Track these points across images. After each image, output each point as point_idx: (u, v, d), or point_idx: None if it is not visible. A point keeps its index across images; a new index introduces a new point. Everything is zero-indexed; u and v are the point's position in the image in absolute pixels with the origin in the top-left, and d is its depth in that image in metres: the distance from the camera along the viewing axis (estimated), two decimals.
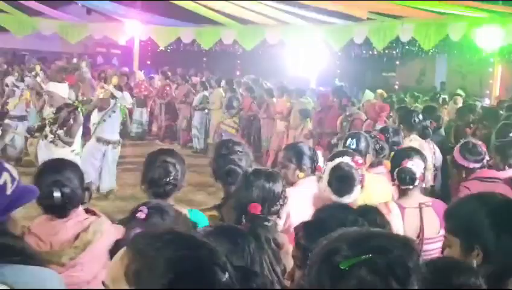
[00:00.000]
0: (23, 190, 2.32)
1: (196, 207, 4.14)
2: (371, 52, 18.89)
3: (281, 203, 3.42)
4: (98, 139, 9.82)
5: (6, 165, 2.31)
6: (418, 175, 4.16)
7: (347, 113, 10.99)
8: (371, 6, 13.13)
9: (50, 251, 3.07)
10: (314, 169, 4.58)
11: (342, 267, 1.43)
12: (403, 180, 4.16)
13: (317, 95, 13.66)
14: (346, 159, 4.07)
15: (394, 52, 21.21)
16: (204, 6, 16.46)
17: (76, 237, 3.17)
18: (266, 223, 3.21)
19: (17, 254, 2.10)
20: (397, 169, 4.20)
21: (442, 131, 9.00)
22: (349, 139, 5.29)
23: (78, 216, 3.27)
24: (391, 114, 9.73)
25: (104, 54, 29.66)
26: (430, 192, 5.60)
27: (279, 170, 4.50)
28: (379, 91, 14.62)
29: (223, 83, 16.77)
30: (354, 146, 5.14)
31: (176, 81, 18.33)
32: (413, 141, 7.05)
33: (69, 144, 8.07)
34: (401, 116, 7.92)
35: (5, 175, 2.20)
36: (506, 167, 5.26)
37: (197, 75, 20.43)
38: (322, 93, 13.55)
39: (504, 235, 2.21)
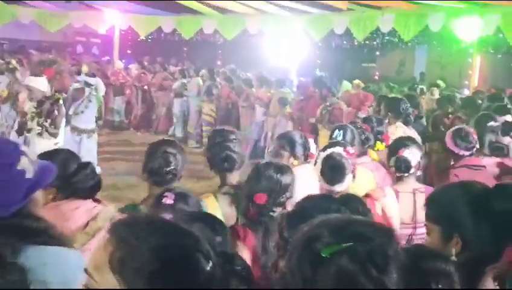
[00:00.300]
0: (42, 171, 2.33)
1: None
2: (351, 42, 18.98)
3: (288, 195, 3.43)
4: (73, 129, 9.83)
5: (23, 148, 2.34)
6: (413, 164, 4.35)
7: (327, 103, 11.02)
8: None
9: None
10: (306, 156, 4.77)
11: (323, 255, 1.44)
12: (399, 168, 4.38)
13: (298, 85, 13.72)
14: (337, 150, 4.15)
15: (374, 42, 21.37)
16: None
17: (86, 225, 3.18)
18: (271, 213, 3.28)
19: (40, 235, 2.14)
20: (394, 157, 4.41)
21: (424, 120, 9.07)
22: (336, 131, 5.42)
23: (87, 204, 3.29)
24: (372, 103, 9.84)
25: (84, 43, 29.42)
26: None
27: (273, 158, 4.69)
28: (356, 81, 15.07)
29: (202, 72, 17.06)
30: (340, 138, 5.23)
31: (153, 70, 18.89)
32: (398, 127, 7.32)
33: (55, 135, 8.13)
34: (389, 104, 8.02)
35: (24, 159, 2.22)
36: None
37: (178, 64, 20.46)
38: (302, 83, 13.65)
39: (482, 224, 2.24)
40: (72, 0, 20.79)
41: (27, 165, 2.24)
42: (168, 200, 3.00)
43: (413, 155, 4.41)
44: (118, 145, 14.92)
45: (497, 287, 2.27)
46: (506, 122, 6.79)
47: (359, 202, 2.93)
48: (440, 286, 1.88)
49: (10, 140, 2.55)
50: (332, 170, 4.03)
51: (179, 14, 18.54)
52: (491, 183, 4.74)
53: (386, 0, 12.42)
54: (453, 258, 2.24)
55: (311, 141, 5.05)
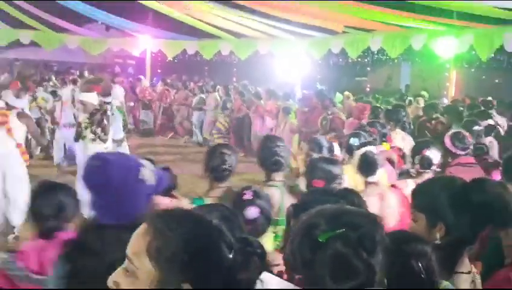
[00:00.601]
0: (159, 178, 2.38)
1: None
2: (346, 60, 18.92)
3: (338, 182, 3.69)
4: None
5: (142, 161, 2.38)
6: (435, 162, 4.61)
7: (328, 112, 10.87)
8: (346, 21, 13.15)
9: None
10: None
11: (320, 240, 1.47)
12: (422, 165, 4.59)
13: (301, 97, 13.72)
14: (371, 148, 4.46)
15: (366, 60, 21.36)
16: (206, 22, 16.47)
17: None
18: None
19: None
20: (418, 156, 4.63)
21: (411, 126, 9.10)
22: (352, 139, 5.55)
23: (166, 200, 3.30)
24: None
25: (121, 64, 29.67)
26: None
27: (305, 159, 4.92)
28: (346, 93, 14.96)
29: (218, 88, 17.21)
30: (357, 144, 5.34)
31: (176, 86, 19.34)
32: (398, 133, 7.52)
33: (105, 141, 8.15)
34: (390, 114, 8.20)
35: (143, 170, 2.26)
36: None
37: (200, 81, 20.58)
38: (305, 95, 13.57)
39: (462, 213, 2.23)
40: (111, 29, 21.03)
41: (147, 175, 2.29)
42: (248, 196, 3.22)
43: (434, 155, 4.62)
44: (145, 148, 15.09)
45: (471, 267, 2.33)
46: (489, 125, 7.16)
47: (355, 195, 2.90)
48: (420, 264, 1.90)
49: (130, 156, 2.69)
50: (368, 165, 4.30)
51: (201, 38, 18.66)
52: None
53: (376, 22, 12.37)
54: (438, 241, 2.23)
55: (335, 144, 5.30)
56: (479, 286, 2.31)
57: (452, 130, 5.91)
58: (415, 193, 2.52)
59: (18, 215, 6.69)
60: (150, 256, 1.35)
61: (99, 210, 2.27)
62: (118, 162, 2.29)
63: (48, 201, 3.07)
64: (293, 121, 12.50)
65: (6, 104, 7.31)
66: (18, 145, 7.19)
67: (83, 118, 8.37)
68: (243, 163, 11.56)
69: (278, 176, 4.16)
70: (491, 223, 2.35)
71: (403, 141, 7.32)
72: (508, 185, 2.72)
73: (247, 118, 14.79)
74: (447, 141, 5.43)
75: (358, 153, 4.45)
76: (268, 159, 4.16)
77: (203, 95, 17.02)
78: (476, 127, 6.64)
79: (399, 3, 10.73)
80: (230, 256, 1.42)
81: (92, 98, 8.42)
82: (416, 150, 4.79)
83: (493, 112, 9.77)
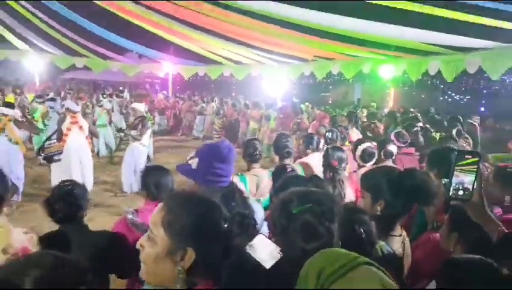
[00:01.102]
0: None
1: None
2: (314, 80, 18.97)
3: (345, 163, 3.83)
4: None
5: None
6: (394, 153, 4.88)
7: (298, 118, 11.42)
8: (314, 52, 13.09)
9: None
10: (317, 148, 5.01)
11: (294, 212, 1.50)
12: (386, 156, 4.73)
13: (280, 107, 13.79)
14: (368, 144, 4.57)
15: (328, 80, 21.40)
16: (213, 53, 16.38)
17: None
18: (340, 172, 3.69)
19: None
20: (383, 150, 4.73)
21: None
22: (327, 133, 5.86)
23: None
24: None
25: (150, 83, 29.63)
26: None
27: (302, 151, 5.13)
28: (306, 104, 15.72)
29: (215, 99, 18.69)
30: (330, 136, 5.70)
31: (183, 98, 19.87)
32: (354, 131, 8.04)
33: (139, 140, 8.00)
34: (350, 115, 9.03)
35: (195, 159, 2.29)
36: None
37: (207, 95, 20.51)
38: (283, 106, 13.80)
39: (396, 193, 2.25)
40: (143, 56, 20.92)
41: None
42: (289, 168, 3.63)
43: (394, 149, 4.84)
44: (164, 141, 15.40)
45: (402, 232, 2.29)
46: (421, 127, 7.49)
47: (318, 179, 2.91)
48: (362, 229, 1.91)
49: (225, 142, 2.59)
50: (369, 155, 4.47)
51: (208, 64, 18.61)
52: (415, 163, 5.24)
53: (335, 53, 12.38)
54: (378, 213, 2.25)
55: (321, 140, 5.30)
56: (408, 245, 2.33)
57: (396, 130, 6.05)
58: (363, 176, 2.54)
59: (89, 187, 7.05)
60: (164, 227, 1.31)
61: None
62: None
63: (155, 177, 3.28)
64: (273, 125, 12.78)
65: (67, 109, 7.40)
66: (86, 138, 7.57)
67: (131, 120, 8.52)
68: None
69: (288, 161, 4.25)
70: (418, 201, 2.37)
71: (357, 136, 7.59)
72: (430, 173, 2.70)
73: (237, 122, 15.52)
74: (393, 136, 5.54)
75: (361, 147, 4.54)
76: (282, 149, 4.26)
77: (203, 104, 17.66)
78: (416, 128, 6.96)
79: (352, 39, 10.74)
80: (226, 226, 1.37)
81: (141, 107, 8.43)
82: (381, 145, 4.82)
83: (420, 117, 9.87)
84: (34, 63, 18.38)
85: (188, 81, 24.23)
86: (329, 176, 3.70)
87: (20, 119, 7.46)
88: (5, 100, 12.24)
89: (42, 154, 7.10)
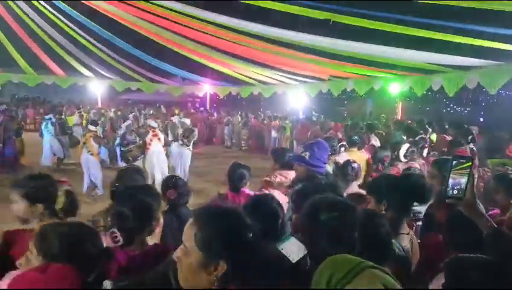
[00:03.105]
0: None
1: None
2: (331, 96, 18.76)
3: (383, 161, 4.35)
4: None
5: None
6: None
7: (314, 128, 11.90)
8: (330, 72, 13.03)
9: None
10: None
11: (322, 219, 1.47)
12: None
13: (297, 119, 14.51)
14: (408, 145, 4.80)
15: (343, 96, 21.16)
16: (244, 75, 16.51)
17: None
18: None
19: None
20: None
21: None
22: (354, 137, 5.95)
23: None
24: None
25: (191, 101, 29.97)
26: None
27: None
28: (321, 116, 16.32)
29: (241, 113, 18.86)
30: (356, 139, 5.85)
31: (212, 113, 20.50)
32: (372, 137, 7.96)
33: (188, 146, 9.12)
34: (369, 126, 9.00)
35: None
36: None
37: (240, 112, 20.47)
38: (301, 118, 14.63)
39: (398, 195, 2.23)
40: (186, 79, 21.29)
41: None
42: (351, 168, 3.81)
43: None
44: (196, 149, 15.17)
45: (409, 230, 2.25)
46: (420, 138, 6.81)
47: (336, 187, 2.81)
48: (382, 231, 1.83)
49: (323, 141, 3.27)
50: (411, 152, 4.71)
51: (240, 85, 18.73)
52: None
53: (349, 73, 12.29)
54: (383, 212, 2.22)
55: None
56: (416, 242, 2.28)
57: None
58: (370, 183, 2.52)
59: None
60: (195, 242, 1.24)
61: None
62: None
63: (236, 173, 3.54)
64: (287, 133, 13.65)
65: (149, 126, 8.84)
66: (163, 146, 8.80)
67: (180, 131, 9.37)
68: (257, 158, 12.50)
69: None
70: (415, 200, 2.34)
71: (375, 141, 7.79)
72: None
73: (261, 132, 16.02)
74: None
75: (404, 147, 4.71)
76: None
77: (229, 117, 18.00)
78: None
79: (363, 61, 10.66)
80: (250, 235, 1.27)
81: (188, 121, 9.76)
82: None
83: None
84: (96, 86, 19.03)
85: (223, 100, 24.42)
86: (381, 168, 4.28)
87: (100, 135, 8.59)
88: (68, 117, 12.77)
89: (127, 158, 8.33)
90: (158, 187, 3.03)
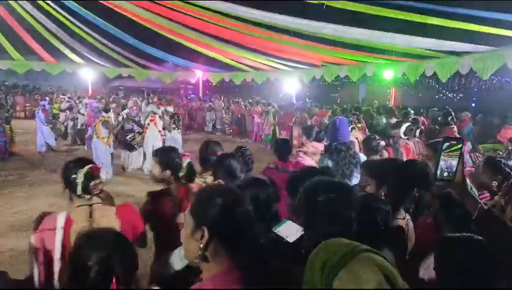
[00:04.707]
0: None
1: None
2: (324, 82, 18.72)
3: (381, 147, 4.12)
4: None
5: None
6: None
7: (297, 115, 11.56)
8: (324, 58, 13.00)
9: None
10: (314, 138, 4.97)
11: (319, 200, 1.47)
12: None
13: (280, 106, 14.33)
14: (408, 124, 5.09)
15: (337, 82, 21.07)
16: (236, 61, 16.39)
17: None
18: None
19: None
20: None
21: None
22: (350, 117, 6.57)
23: None
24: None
25: (183, 88, 29.72)
26: None
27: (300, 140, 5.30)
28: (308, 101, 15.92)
29: (223, 98, 18.90)
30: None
31: (193, 99, 19.91)
32: (362, 121, 8.06)
33: (179, 130, 9.68)
34: (357, 109, 9.39)
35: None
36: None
37: (231, 98, 20.29)
38: (283, 105, 14.34)
39: (396, 182, 2.23)
40: (177, 66, 21.09)
41: None
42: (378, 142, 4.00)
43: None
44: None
45: (405, 215, 2.24)
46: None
47: (331, 173, 2.80)
48: (379, 218, 1.85)
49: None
50: (409, 130, 4.99)
51: (233, 71, 18.57)
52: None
53: (343, 59, 12.27)
54: (382, 197, 2.21)
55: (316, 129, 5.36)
56: (411, 226, 2.29)
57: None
58: (368, 166, 2.50)
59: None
60: (191, 213, 1.29)
61: None
62: None
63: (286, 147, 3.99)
64: (271, 118, 13.42)
65: (153, 111, 9.23)
66: (159, 132, 9.05)
67: (167, 118, 9.44)
68: (242, 143, 12.42)
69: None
70: (418, 187, 2.32)
71: (362, 123, 7.96)
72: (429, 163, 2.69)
73: (243, 117, 15.94)
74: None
75: (403, 126, 5.07)
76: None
77: (211, 103, 17.86)
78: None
79: (357, 46, 10.62)
80: (244, 216, 1.27)
81: (171, 109, 9.84)
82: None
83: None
84: (87, 73, 18.78)
85: (215, 86, 24.25)
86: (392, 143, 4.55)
87: (112, 122, 8.66)
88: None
89: (132, 145, 8.85)
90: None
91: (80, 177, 2.12)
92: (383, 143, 4.23)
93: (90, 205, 2.16)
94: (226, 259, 1.26)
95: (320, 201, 1.47)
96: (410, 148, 5.11)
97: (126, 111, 9.78)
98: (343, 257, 1.00)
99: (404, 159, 4.43)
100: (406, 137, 5.19)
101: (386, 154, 4.51)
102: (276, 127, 13.00)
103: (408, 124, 5.38)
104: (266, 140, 13.52)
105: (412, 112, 8.96)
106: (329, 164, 3.66)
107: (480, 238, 1.55)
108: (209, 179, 2.98)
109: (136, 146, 8.94)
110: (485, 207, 1.58)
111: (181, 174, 2.71)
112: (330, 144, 3.70)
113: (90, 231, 1.65)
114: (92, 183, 2.15)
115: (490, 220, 1.56)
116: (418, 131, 5.62)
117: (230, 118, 16.63)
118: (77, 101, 14.02)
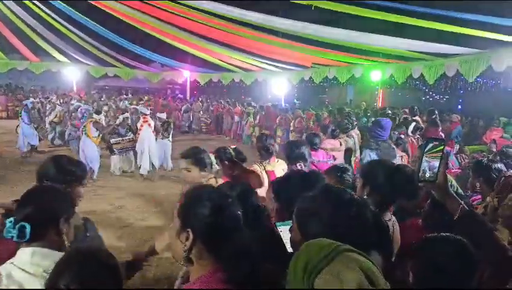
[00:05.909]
0: None
1: None
2: (313, 84, 18.84)
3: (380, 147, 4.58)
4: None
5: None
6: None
7: (281, 116, 12.10)
8: (312, 60, 13.04)
9: None
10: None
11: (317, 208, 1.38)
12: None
13: (261, 106, 14.61)
14: (415, 123, 5.70)
15: (325, 84, 21.21)
16: (224, 62, 16.35)
17: None
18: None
19: None
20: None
21: None
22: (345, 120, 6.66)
23: None
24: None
25: (171, 88, 29.55)
26: None
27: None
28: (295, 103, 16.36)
29: (201, 99, 19.41)
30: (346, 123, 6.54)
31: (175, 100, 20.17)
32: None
33: (169, 137, 9.43)
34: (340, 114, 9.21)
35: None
36: None
37: (220, 99, 20.28)
38: (266, 106, 14.56)
39: (383, 181, 2.19)
40: (164, 66, 20.94)
41: None
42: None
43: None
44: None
45: (391, 217, 2.25)
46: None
47: (322, 178, 2.78)
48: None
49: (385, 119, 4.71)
50: (416, 129, 5.67)
51: (221, 71, 18.52)
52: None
53: (331, 60, 12.34)
54: (365, 197, 2.16)
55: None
56: (397, 229, 2.27)
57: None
58: (363, 165, 2.50)
59: (146, 164, 8.75)
60: (178, 215, 1.29)
61: None
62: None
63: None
64: (251, 119, 13.99)
65: (143, 113, 9.13)
66: (153, 132, 8.98)
67: (157, 125, 9.35)
68: (218, 141, 13.28)
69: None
70: (403, 195, 2.28)
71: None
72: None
73: (221, 116, 16.54)
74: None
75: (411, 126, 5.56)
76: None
77: (189, 104, 17.95)
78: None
79: (345, 48, 10.70)
80: (239, 213, 1.30)
81: (164, 116, 9.79)
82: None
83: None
84: (72, 72, 18.52)
85: (203, 87, 24.16)
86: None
87: (102, 123, 8.77)
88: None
89: (112, 149, 8.78)
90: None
91: None
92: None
93: None
94: (210, 262, 1.26)
95: (318, 213, 1.37)
96: (414, 145, 5.66)
97: (125, 115, 9.77)
98: (325, 256, 1.00)
99: (410, 155, 4.91)
100: (413, 135, 5.74)
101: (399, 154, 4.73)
102: (256, 128, 13.13)
103: (414, 123, 5.86)
104: (246, 140, 13.91)
105: (406, 110, 9.23)
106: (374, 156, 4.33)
107: (458, 238, 1.55)
108: (269, 166, 3.55)
109: (115, 150, 8.82)
110: (467, 208, 1.59)
111: (213, 170, 2.92)
112: (371, 140, 4.33)
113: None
114: None
115: (472, 221, 1.57)
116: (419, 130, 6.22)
117: (209, 117, 17.07)
118: (61, 101, 13.81)
